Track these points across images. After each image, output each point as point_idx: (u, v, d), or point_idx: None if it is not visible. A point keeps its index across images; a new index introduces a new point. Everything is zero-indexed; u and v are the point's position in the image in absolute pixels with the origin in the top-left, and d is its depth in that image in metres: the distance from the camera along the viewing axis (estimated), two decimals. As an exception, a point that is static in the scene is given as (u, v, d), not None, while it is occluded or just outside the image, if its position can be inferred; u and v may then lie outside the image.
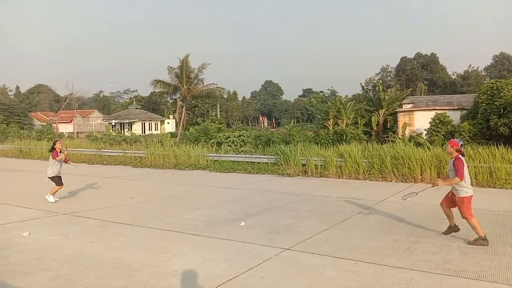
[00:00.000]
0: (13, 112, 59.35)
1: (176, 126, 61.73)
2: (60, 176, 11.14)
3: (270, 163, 18.03)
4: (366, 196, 11.69)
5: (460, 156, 7.01)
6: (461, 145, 7.14)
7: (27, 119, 62.50)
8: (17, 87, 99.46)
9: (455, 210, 7.32)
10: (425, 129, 21.57)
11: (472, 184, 7.37)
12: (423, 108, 25.95)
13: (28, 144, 28.78)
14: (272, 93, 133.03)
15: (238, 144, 21.52)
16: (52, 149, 11.23)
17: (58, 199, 11.05)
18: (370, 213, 9.56)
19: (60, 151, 11.23)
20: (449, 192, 7.33)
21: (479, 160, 13.77)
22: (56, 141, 11.67)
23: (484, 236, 6.82)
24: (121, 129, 59.98)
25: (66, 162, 11.57)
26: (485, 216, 9.11)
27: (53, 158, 11.07)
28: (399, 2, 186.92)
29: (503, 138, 16.91)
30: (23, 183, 15.69)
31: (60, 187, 11.10)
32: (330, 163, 16.15)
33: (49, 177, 11.10)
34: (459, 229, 7.33)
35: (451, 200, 7.25)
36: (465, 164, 6.98)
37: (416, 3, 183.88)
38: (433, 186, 7.44)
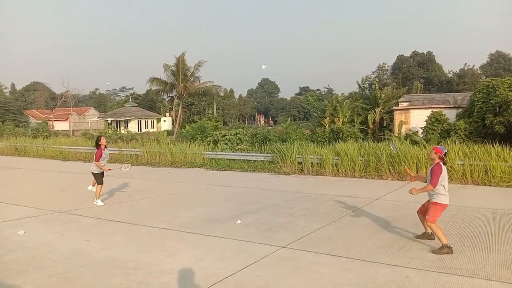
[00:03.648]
0: (8, 110, 59.17)
1: (172, 124, 61.63)
2: (102, 173, 10.41)
3: (267, 161, 18.03)
4: (362, 194, 11.72)
5: (441, 163, 6.66)
6: (445, 153, 6.76)
7: (22, 116, 62.31)
8: (13, 85, 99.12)
9: None
10: (421, 127, 21.62)
11: (461, 183, 7.19)
12: (419, 107, 26.04)
13: (24, 142, 28.70)
14: (269, 91, 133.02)
15: (235, 142, 21.51)
16: (97, 145, 10.43)
17: (103, 204, 10.46)
18: (366, 211, 9.58)
19: (105, 147, 10.48)
20: (427, 201, 7.04)
21: (474, 158, 13.82)
22: (100, 136, 10.75)
23: (449, 244, 6.46)
24: (117, 127, 59.77)
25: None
26: (480, 213, 9.15)
27: (95, 161, 10.30)
28: (396, 1, 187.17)
29: (498, 137, 16.96)
30: (18, 181, 15.63)
31: (101, 186, 10.47)
32: (326, 161, 16.17)
33: (92, 173, 10.39)
34: (434, 238, 6.99)
35: (427, 209, 6.98)
36: (444, 172, 6.65)
37: (413, 2, 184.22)
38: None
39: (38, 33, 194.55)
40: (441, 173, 6.57)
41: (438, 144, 16.81)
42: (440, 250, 6.41)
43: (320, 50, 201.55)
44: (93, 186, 10.85)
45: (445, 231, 7.30)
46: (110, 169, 10.63)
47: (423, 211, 7.06)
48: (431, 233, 7.03)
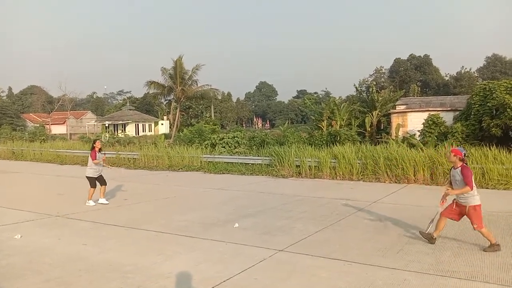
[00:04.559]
0: (5, 114, 59.00)
1: (170, 127, 61.59)
2: (97, 178, 10.84)
3: (264, 164, 18.02)
4: (359, 197, 11.72)
5: (465, 165, 6.73)
6: (465, 154, 6.77)
7: (19, 120, 62.12)
8: (10, 88, 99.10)
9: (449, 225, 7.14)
10: (418, 130, 21.65)
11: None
12: (416, 109, 26.08)
13: (21, 146, 28.59)
14: (267, 94, 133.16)
15: (232, 146, 21.50)
16: (92, 148, 10.95)
17: (95, 204, 10.78)
18: (364, 214, 9.58)
19: (100, 150, 10.93)
20: (453, 204, 6.95)
21: (471, 161, 13.83)
22: (96, 140, 11.35)
23: (497, 242, 6.64)
24: (114, 131, 59.69)
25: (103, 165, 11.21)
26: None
27: (92, 160, 10.79)
28: (393, 4, 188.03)
29: (495, 139, 17.01)
30: (15, 185, 15.57)
31: (94, 189, 10.83)
32: (324, 164, 16.17)
33: (86, 177, 10.88)
34: (434, 243, 6.99)
35: (456, 213, 6.90)
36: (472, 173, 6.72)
37: (410, 5, 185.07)
38: (442, 202, 6.95)
39: (36, 34, 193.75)
40: (472, 175, 6.66)
41: (435, 146, 16.84)
42: (491, 248, 6.59)
43: (318, 52, 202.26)
44: (90, 199, 10.92)
45: (443, 234, 7.34)
46: (105, 161, 11.16)
47: (452, 215, 6.96)
48: (435, 238, 7.04)
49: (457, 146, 14.91)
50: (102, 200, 10.96)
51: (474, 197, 6.70)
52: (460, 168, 6.73)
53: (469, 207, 6.69)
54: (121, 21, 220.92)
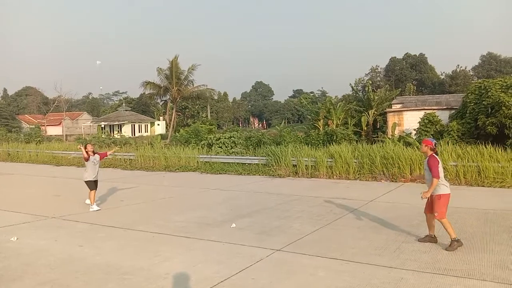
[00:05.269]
0: (0, 115, 58.78)
1: (166, 128, 61.50)
2: (95, 181, 10.66)
3: (261, 164, 18.03)
4: (356, 196, 11.74)
5: (434, 154, 6.86)
6: (435, 143, 6.99)
7: (15, 122, 62.02)
8: (5, 90, 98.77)
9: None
10: (414, 129, 21.73)
11: (455, 183, 7.15)
12: (412, 108, 26.16)
13: (16, 147, 28.50)
14: (263, 94, 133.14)
15: (229, 146, 21.49)
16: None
17: (99, 208, 10.54)
18: (361, 213, 9.60)
19: (94, 153, 10.89)
20: (429, 198, 6.96)
21: (467, 159, 13.92)
22: (87, 144, 11.38)
23: (457, 238, 6.61)
24: (110, 132, 59.52)
25: (105, 156, 11.54)
26: (474, 214, 9.20)
27: (84, 159, 10.83)
28: (390, 3, 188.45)
29: (491, 137, 17.10)
30: (11, 186, 15.50)
31: (93, 191, 10.61)
32: (320, 164, 16.20)
33: (85, 181, 10.69)
34: (437, 241, 7.00)
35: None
36: (440, 162, 6.83)
37: (406, 4, 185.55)
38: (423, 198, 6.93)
39: (31, 35, 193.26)
40: (438, 164, 6.72)
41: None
42: (451, 247, 6.53)
43: (314, 52, 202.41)
44: (93, 203, 10.74)
45: (439, 232, 7.33)
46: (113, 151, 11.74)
47: (430, 209, 6.99)
48: (434, 235, 7.05)
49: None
50: (94, 207, 10.54)
51: (441, 186, 6.74)
52: (428, 157, 6.86)
53: (435, 196, 6.76)
54: (121, 21, 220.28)
